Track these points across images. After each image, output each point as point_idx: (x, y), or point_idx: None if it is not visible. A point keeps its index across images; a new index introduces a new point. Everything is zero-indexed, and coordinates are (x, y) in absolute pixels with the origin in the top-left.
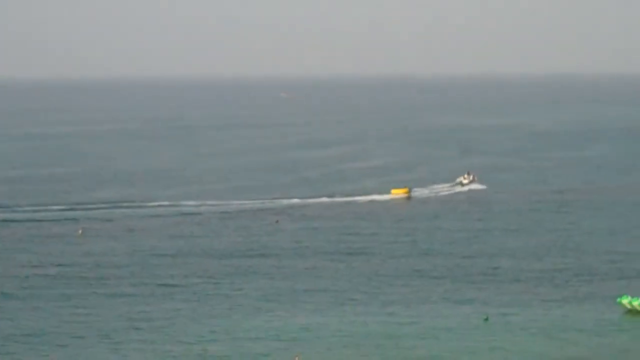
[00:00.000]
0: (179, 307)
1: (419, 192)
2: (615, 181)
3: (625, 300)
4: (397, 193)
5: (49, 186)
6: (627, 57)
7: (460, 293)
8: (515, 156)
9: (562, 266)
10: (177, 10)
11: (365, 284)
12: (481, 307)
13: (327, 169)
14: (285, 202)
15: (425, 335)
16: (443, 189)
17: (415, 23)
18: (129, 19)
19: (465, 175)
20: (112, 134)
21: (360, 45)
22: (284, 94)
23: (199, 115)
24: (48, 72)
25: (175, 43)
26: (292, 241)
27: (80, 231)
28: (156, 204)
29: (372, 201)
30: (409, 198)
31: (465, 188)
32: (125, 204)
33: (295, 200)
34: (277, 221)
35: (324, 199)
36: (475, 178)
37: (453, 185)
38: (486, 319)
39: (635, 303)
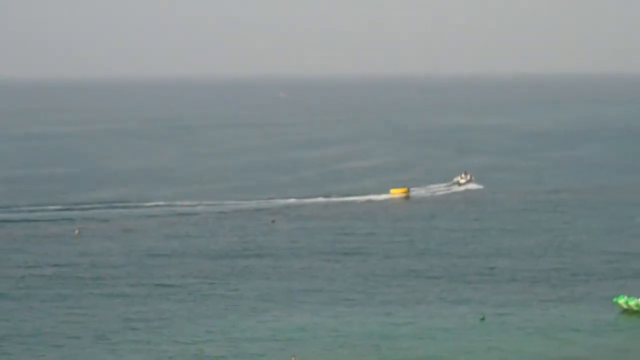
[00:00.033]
0: (175, 308)
1: (416, 192)
2: (612, 181)
3: (621, 300)
4: (396, 193)
5: (45, 186)
6: (627, 57)
7: (456, 293)
8: (513, 156)
9: (558, 266)
10: (177, 10)
11: (361, 284)
12: (478, 307)
13: (325, 169)
14: (282, 202)
15: (422, 335)
16: (440, 188)
17: (415, 23)
18: (129, 19)
19: (462, 175)
20: (111, 134)
21: (360, 45)
22: (283, 93)
23: (197, 115)
24: (48, 72)
25: (175, 43)
26: (288, 241)
27: (76, 231)
28: (152, 204)
29: (370, 201)
30: (407, 198)
31: (462, 188)
32: (121, 204)
33: (292, 200)
34: (273, 221)
35: (321, 199)
36: (472, 178)
37: (450, 185)
38: (482, 319)
39: (632, 303)
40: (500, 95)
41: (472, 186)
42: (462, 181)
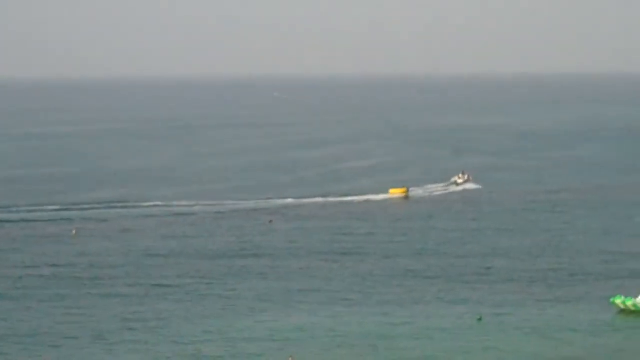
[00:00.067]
0: (172, 308)
1: (414, 192)
2: (611, 181)
3: (618, 300)
4: (395, 193)
5: (43, 186)
6: (627, 57)
7: (454, 293)
8: (511, 156)
9: (556, 266)
10: (177, 10)
11: (359, 284)
12: (475, 307)
13: (324, 169)
14: (280, 202)
15: (419, 335)
16: (438, 188)
17: (415, 23)
18: (129, 19)
19: (460, 175)
20: (111, 134)
21: (360, 45)
22: (277, 93)
23: (197, 115)
24: (48, 72)
25: (175, 43)
26: (286, 241)
27: (74, 231)
28: (150, 204)
29: (369, 201)
30: (406, 198)
31: (460, 188)
32: (119, 204)
33: (290, 200)
34: (270, 221)
35: (319, 199)
36: (470, 178)
37: (448, 185)
38: (480, 319)
39: (629, 303)
40: (500, 95)
41: (470, 186)
42: (460, 181)
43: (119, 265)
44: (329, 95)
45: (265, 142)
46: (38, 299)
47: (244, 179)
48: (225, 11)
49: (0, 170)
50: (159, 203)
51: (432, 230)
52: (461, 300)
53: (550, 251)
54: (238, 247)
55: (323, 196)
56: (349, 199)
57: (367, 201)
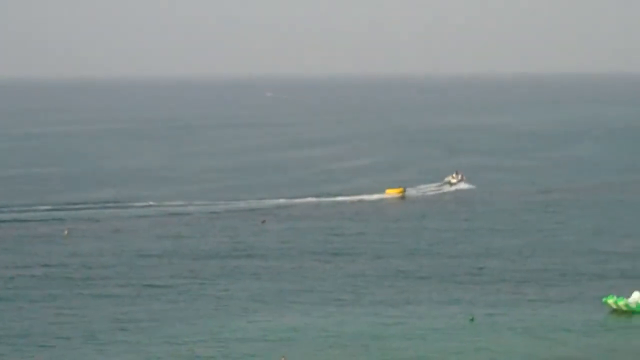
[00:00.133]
0: (165, 308)
1: (408, 192)
2: (604, 180)
3: (610, 300)
4: (392, 193)
5: (37, 186)
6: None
7: (446, 293)
8: (507, 156)
9: (548, 266)
10: (177, 10)
11: (352, 285)
12: (467, 307)
13: (319, 169)
14: (274, 202)
15: (412, 335)
16: (432, 188)
17: (415, 23)
18: (129, 19)
19: (454, 175)
20: (109, 134)
21: (360, 45)
22: (270, 93)
23: (196, 115)
24: (48, 72)
25: (175, 43)
26: (279, 241)
27: (66, 232)
28: (143, 204)
29: (366, 201)
30: (403, 198)
31: (453, 188)
32: (112, 204)
33: (282, 200)
34: (263, 221)
35: (312, 199)
36: (464, 177)
37: (441, 185)
38: (472, 319)
39: (621, 303)
40: (500, 95)
41: (463, 186)
42: (454, 181)
43: (111, 266)
44: (329, 95)
45: (263, 142)
46: (30, 299)
47: (242, 179)
48: (225, 11)
49: None
50: (152, 203)
51: (425, 230)
52: (453, 301)
53: (542, 251)
54: (231, 248)
55: (317, 196)
56: (344, 199)
57: (363, 201)
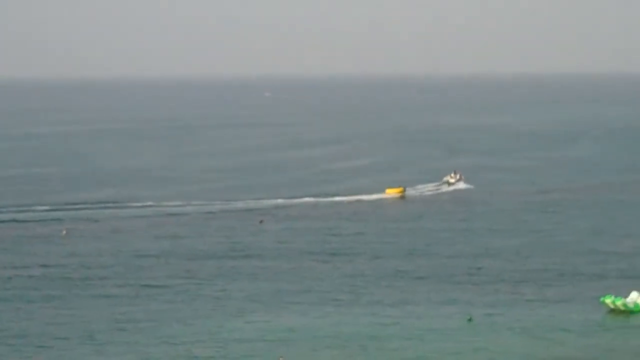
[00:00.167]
0: (163, 308)
1: (407, 192)
2: (603, 180)
3: (608, 300)
4: (392, 193)
5: (36, 186)
6: (627, 57)
7: (444, 293)
8: (506, 156)
9: (546, 266)
10: (177, 10)
11: (349, 285)
12: (465, 307)
13: (318, 169)
14: (272, 202)
15: (410, 336)
16: (430, 188)
17: (415, 23)
18: (129, 19)
19: (452, 175)
20: (108, 134)
21: (360, 45)
22: (268, 93)
23: (195, 115)
24: (48, 72)
25: (175, 43)
26: (277, 242)
27: (64, 232)
28: (142, 204)
29: (366, 201)
30: (402, 197)
31: (452, 188)
32: (110, 205)
33: (280, 201)
34: (261, 221)
35: (311, 199)
36: (462, 177)
37: (440, 185)
38: (470, 320)
39: (619, 302)
40: (500, 95)
41: (462, 186)
42: (452, 181)
43: (109, 266)
44: (329, 95)
45: (263, 142)
46: (28, 299)
47: (241, 179)
48: (225, 11)
49: None
50: (150, 203)
51: (423, 230)
52: (451, 301)
53: (540, 251)
54: (229, 248)
55: (315, 196)
56: (343, 199)
57: (362, 201)
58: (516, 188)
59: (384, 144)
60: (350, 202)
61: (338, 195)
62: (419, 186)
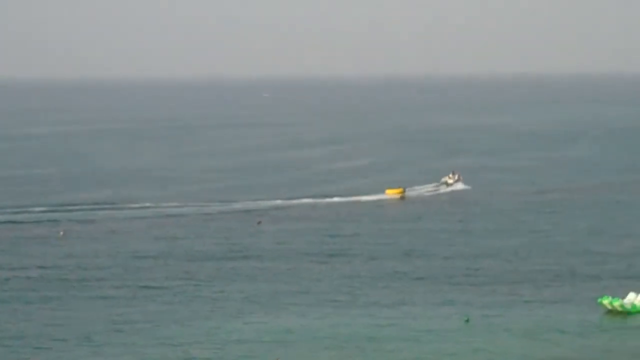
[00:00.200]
0: (160, 309)
1: (408, 192)
2: (601, 181)
3: (605, 301)
4: (392, 193)
5: (33, 187)
6: (627, 57)
7: (441, 294)
8: (505, 156)
9: (543, 267)
10: (177, 10)
11: (347, 286)
12: (463, 308)
13: (318, 169)
14: (270, 202)
15: (407, 337)
16: (428, 189)
17: (415, 23)
18: (129, 19)
19: (451, 175)
20: (108, 134)
21: (360, 45)
22: (266, 94)
23: (194, 115)
24: (48, 72)
25: (175, 43)
26: (275, 243)
27: (61, 233)
28: (139, 205)
29: (365, 202)
30: (403, 198)
31: (450, 188)
32: (107, 206)
33: (279, 202)
34: (259, 222)
35: (309, 200)
36: (461, 178)
37: (438, 185)
38: (467, 321)
39: (616, 303)
40: (500, 95)
41: (460, 186)
42: (450, 181)
43: (106, 267)
44: (329, 95)
45: (262, 142)
46: (25, 300)
47: (241, 180)
48: (225, 11)
49: None
50: (148, 204)
51: (421, 231)
52: (449, 302)
53: (538, 252)
54: (227, 249)
55: (314, 197)
56: (342, 199)
57: (362, 202)
58: (515, 188)
59: (383, 144)
60: (349, 203)
61: (337, 196)
62: (418, 187)
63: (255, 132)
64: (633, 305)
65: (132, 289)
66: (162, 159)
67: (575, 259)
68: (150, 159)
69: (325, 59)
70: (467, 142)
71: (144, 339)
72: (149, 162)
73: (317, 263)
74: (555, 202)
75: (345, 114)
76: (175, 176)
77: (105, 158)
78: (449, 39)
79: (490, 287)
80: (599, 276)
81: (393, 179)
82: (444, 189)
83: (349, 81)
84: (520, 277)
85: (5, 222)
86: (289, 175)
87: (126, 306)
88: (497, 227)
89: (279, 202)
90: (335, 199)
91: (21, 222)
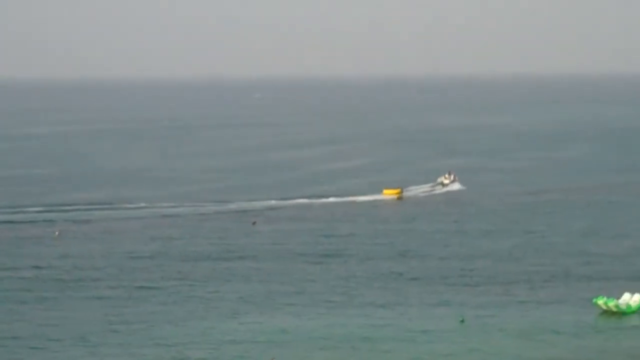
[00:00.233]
0: (156, 310)
1: (406, 193)
2: (596, 181)
3: (600, 301)
4: (389, 194)
5: (30, 187)
6: (627, 57)
7: (436, 295)
8: (502, 156)
9: (538, 267)
10: (177, 10)
11: (342, 286)
12: (457, 309)
13: (316, 169)
14: (264, 203)
15: (402, 337)
16: (424, 189)
17: (415, 23)
18: (129, 19)
19: (446, 175)
20: (108, 134)
21: (360, 45)
22: (258, 95)
23: (194, 115)
24: (48, 72)
25: (175, 43)
26: (270, 243)
27: (57, 233)
28: (135, 205)
29: (363, 203)
30: (400, 199)
31: (445, 189)
32: (103, 206)
33: (273, 202)
34: (254, 223)
35: (306, 201)
36: (457, 178)
37: (434, 186)
38: (462, 321)
39: (611, 304)
40: (500, 95)
41: (455, 187)
42: (446, 182)
43: (102, 267)
44: (329, 95)
45: (261, 142)
46: (20, 301)
47: (240, 180)
48: (225, 11)
49: None
50: (144, 204)
51: (416, 231)
52: (444, 302)
53: (532, 252)
54: (222, 249)
55: (310, 197)
56: (338, 200)
57: (358, 202)
58: (511, 189)
59: (382, 144)
60: (345, 204)
61: (333, 196)
62: (413, 187)
63: (254, 132)
64: (628, 306)
65: (127, 289)
66: (160, 159)
67: (570, 260)
68: (149, 159)
69: (325, 59)
70: (466, 142)
71: (139, 339)
72: (147, 162)
73: (312, 263)
74: (551, 202)
75: (345, 114)
76: (172, 176)
77: (104, 158)
78: (449, 39)
79: (485, 287)
80: (594, 277)
81: (390, 179)
82: (439, 190)
83: (349, 81)
84: (515, 277)
85: (1, 222)
86: (285, 176)
87: (121, 306)
88: (492, 227)
89: (274, 202)
90: (331, 199)
91: (17, 222)
